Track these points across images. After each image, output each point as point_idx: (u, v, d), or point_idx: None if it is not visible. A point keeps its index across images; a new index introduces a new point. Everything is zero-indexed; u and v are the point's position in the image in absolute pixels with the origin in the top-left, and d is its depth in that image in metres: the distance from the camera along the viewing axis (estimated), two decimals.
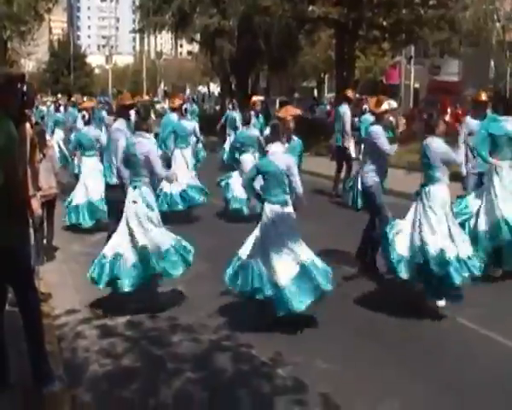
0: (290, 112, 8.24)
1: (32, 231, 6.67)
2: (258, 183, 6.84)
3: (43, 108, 22.38)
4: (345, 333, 6.31)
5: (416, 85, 39.87)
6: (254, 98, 16.62)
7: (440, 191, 6.78)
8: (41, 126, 10.11)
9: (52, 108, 21.37)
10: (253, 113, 13.86)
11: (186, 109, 12.82)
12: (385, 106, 8.11)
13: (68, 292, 7.68)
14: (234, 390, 5.21)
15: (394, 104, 8.15)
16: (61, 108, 21.53)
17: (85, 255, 9.41)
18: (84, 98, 26.22)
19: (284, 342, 6.03)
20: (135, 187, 7.02)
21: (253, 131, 12.03)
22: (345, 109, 13.73)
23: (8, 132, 4.57)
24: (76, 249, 9.84)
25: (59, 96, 28.63)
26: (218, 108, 41.61)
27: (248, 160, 11.16)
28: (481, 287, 7.07)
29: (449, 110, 7.26)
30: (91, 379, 5.39)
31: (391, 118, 13.36)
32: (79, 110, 15.04)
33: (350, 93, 14.35)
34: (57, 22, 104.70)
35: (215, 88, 54.54)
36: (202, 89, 61.25)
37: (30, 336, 4.85)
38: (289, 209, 6.51)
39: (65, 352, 5.87)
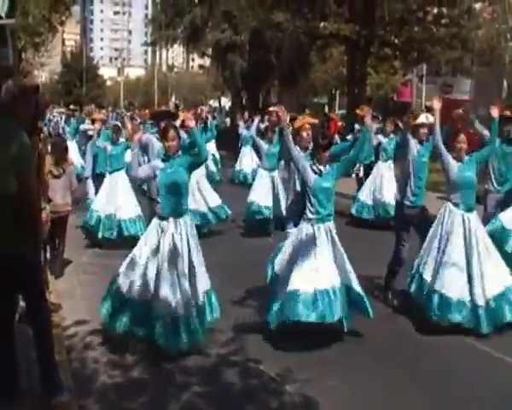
0: (307, 120, 7.87)
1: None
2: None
3: (55, 119, 22.47)
4: (356, 350, 6.29)
5: (428, 104, 39.81)
6: (272, 108, 16.17)
7: None
8: (62, 139, 10.09)
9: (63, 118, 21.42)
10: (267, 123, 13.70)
11: (205, 126, 12.49)
12: (421, 119, 7.80)
13: (78, 303, 7.69)
14: (241, 406, 5.20)
15: (431, 118, 7.74)
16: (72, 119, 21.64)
17: (94, 266, 9.49)
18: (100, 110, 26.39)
19: (293, 358, 6.02)
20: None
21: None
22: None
23: (22, 143, 4.59)
24: (85, 260, 9.89)
25: (71, 107, 28.79)
26: (228, 121, 41.75)
27: None
28: None
29: (462, 136, 7.17)
30: (100, 390, 5.40)
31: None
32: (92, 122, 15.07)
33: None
34: (70, 34, 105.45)
35: (226, 102, 54.69)
36: (213, 103, 61.40)
37: (40, 346, 4.87)
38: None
39: (74, 362, 5.89)
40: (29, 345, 4.95)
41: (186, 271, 6.18)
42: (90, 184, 12.05)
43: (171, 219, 6.22)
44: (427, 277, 6.93)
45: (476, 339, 6.57)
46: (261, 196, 11.78)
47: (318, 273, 6.28)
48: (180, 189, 6.30)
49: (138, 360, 6.03)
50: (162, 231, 6.22)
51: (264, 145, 12.28)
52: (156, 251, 6.17)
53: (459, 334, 6.69)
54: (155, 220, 6.37)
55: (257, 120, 14.49)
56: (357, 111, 13.36)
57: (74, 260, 9.62)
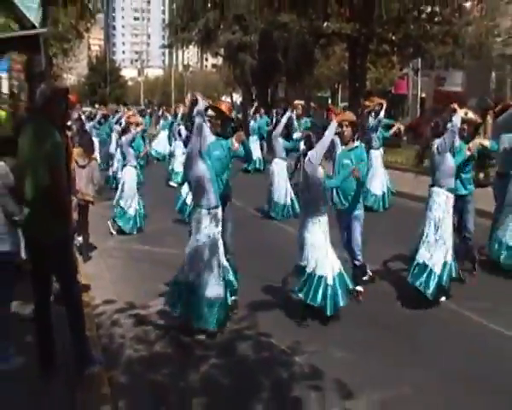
0: (345, 117, 7.13)
1: None
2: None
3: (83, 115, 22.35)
4: (359, 324, 6.26)
5: (423, 95, 39.53)
6: (296, 102, 15.91)
7: None
8: (90, 135, 10.11)
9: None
10: (294, 115, 13.24)
11: None
12: (461, 114, 6.99)
13: (105, 284, 7.72)
14: (254, 376, 5.20)
15: (471, 115, 7.24)
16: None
17: (119, 251, 9.52)
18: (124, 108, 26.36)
19: (302, 332, 6.02)
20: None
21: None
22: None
23: (54, 140, 4.65)
24: (111, 245, 9.92)
25: (96, 106, 28.82)
26: (240, 115, 41.66)
27: None
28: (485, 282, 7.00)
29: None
30: (126, 363, 5.43)
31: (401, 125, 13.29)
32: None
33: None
34: (95, 40, 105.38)
35: (237, 98, 54.51)
36: (226, 99, 61.29)
37: (72, 323, 4.92)
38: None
39: (103, 338, 5.91)
40: (63, 323, 4.97)
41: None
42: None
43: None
44: None
45: (472, 311, 6.53)
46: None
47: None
48: None
49: (160, 335, 6.04)
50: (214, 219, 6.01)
51: (283, 144, 11.94)
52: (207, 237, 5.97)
53: (454, 310, 6.68)
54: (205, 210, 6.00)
55: (284, 119, 12.20)
56: (367, 102, 12.94)
57: (101, 246, 9.65)
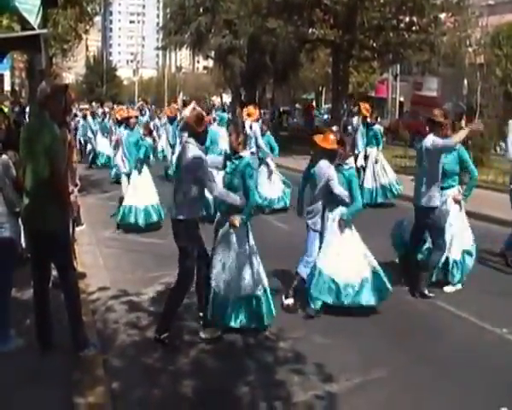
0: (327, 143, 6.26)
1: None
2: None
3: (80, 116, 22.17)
4: (338, 313, 6.26)
5: (401, 99, 39.74)
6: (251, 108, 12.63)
7: None
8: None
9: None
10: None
11: (214, 119, 12.11)
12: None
13: (100, 272, 7.68)
14: (241, 360, 5.21)
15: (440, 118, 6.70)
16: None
17: (115, 241, 9.47)
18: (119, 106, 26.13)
19: (286, 320, 6.01)
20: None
21: None
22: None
23: (54, 135, 4.66)
24: (107, 235, 9.86)
25: (93, 104, 28.53)
26: (229, 115, 41.61)
27: None
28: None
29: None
30: (120, 347, 5.42)
31: (379, 126, 13.29)
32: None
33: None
34: (93, 41, 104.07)
35: (227, 98, 54.39)
36: (216, 99, 61.13)
37: (69, 308, 4.91)
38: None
39: (98, 323, 5.88)
40: (61, 307, 4.95)
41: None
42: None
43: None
44: None
45: (456, 306, 6.54)
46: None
47: None
48: None
49: (152, 321, 6.00)
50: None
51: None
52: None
53: (431, 302, 6.73)
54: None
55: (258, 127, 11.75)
56: (365, 112, 12.57)
57: (97, 236, 9.60)
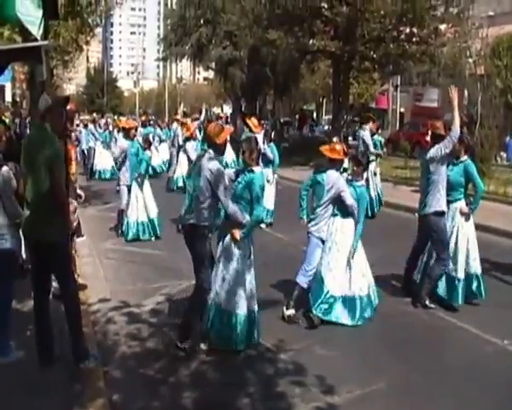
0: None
1: None
2: None
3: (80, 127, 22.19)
4: (338, 324, 6.25)
5: (402, 110, 39.86)
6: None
7: None
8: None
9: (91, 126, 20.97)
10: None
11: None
12: None
13: (100, 283, 7.68)
14: (241, 371, 5.20)
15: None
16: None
17: (115, 252, 9.48)
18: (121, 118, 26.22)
19: (286, 332, 6.01)
20: None
21: None
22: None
23: (55, 147, 4.69)
24: (107, 246, 9.87)
25: (94, 115, 28.63)
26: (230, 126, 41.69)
27: None
28: None
29: (430, 132, 7.06)
30: (120, 358, 5.41)
31: (380, 137, 13.34)
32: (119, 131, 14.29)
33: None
34: (94, 52, 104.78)
35: (227, 109, 54.55)
36: (216, 110, 61.37)
37: (70, 319, 4.92)
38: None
39: (98, 335, 5.88)
40: (61, 319, 4.96)
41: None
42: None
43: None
44: None
45: (457, 317, 6.54)
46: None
47: None
48: None
49: (153, 332, 6.02)
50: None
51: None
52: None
53: (431, 312, 6.73)
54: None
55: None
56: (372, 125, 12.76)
57: (97, 247, 9.60)
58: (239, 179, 5.71)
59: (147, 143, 10.82)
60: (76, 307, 4.99)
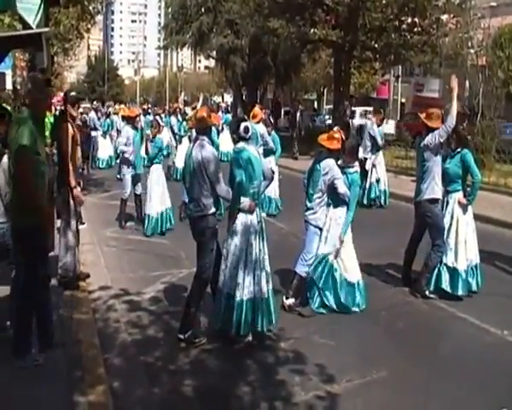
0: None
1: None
2: None
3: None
4: (339, 313, 6.26)
5: (403, 100, 39.73)
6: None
7: None
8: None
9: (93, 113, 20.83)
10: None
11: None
12: None
13: (101, 271, 7.68)
14: (242, 360, 5.20)
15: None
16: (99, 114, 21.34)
17: (116, 240, 9.47)
18: (120, 105, 26.13)
19: (287, 320, 6.01)
20: None
21: None
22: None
23: (22, 132, 4.52)
24: (108, 235, 9.86)
25: (95, 103, 28.52)
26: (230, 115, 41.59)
27: None
28: None
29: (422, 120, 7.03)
30: (121, 345, 5.41)
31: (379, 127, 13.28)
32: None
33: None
34: (94, 40, 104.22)
35: (228, 98, 54.38)
36: (217, 99, 61.21)
37: (39, 306, 4.81)
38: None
39: (98, 322, 5.88)
40: (62, 306, 4.95)
41: None
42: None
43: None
44: None
45: (457, 307, 6.53)
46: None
47: None
48: None
49: (153, 320, 6.03)
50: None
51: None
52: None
53: (430, 302, 6.73)
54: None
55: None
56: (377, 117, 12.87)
57: (98, 235, 9.60)
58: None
59: (157, 127, 10.58)
60: (44, 294, 4.85)
